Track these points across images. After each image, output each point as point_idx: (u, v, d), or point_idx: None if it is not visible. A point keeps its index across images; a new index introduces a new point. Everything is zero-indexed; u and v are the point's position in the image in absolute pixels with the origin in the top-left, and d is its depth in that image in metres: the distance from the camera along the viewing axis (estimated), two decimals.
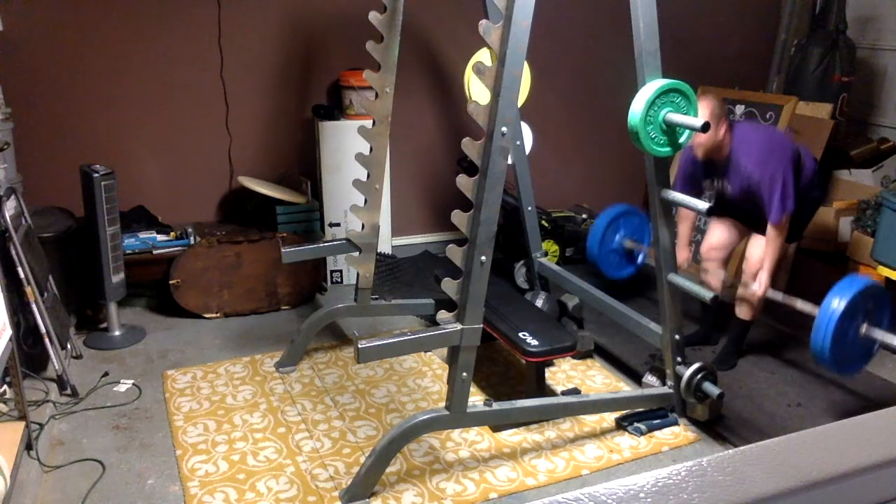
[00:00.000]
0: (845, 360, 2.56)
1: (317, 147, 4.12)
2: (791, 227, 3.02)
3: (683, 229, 3.32)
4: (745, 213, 3.20)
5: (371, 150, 3.17)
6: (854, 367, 2.69)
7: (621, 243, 3.51)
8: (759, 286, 3.00)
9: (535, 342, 2.80)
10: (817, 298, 2.57)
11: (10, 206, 2.91)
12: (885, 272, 3.44)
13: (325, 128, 4.04)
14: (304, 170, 4.25)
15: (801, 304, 2.77)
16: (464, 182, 2.27)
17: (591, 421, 2.91)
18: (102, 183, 3.28)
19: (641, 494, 0.60)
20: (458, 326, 2.33)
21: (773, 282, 3.05)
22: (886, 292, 2.64)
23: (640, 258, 3.57)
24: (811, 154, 3.20)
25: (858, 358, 2.62)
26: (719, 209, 3.21)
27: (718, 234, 3.31)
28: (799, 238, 3.47)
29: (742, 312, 3.26)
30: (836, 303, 2.47)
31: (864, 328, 2.55)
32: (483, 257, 2.27)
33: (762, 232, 3.10)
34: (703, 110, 2.84)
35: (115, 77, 3.85)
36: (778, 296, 2.95)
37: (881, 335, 2.54)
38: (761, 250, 3.08)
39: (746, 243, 3.25)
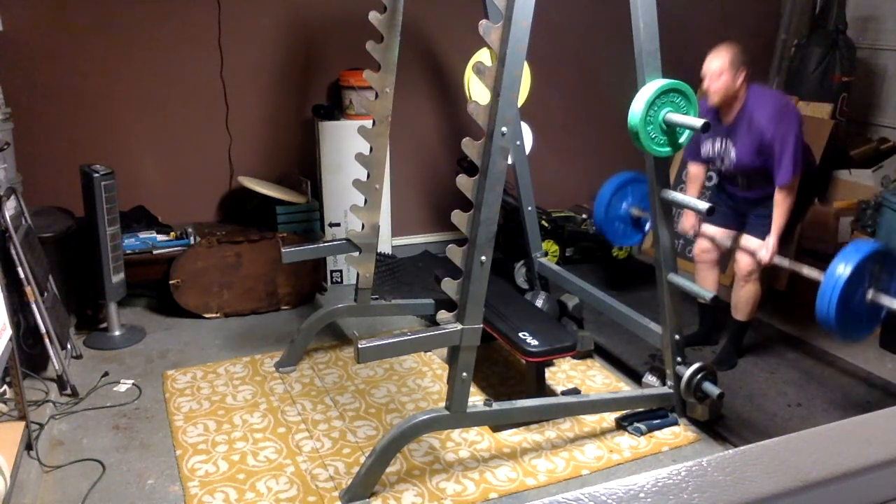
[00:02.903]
0: (852, 326, 2.50)
1: (317, 147, 4.12)
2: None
3: (692, 192, 3.26)
4: (739, 204, 3.17)
5: (371, 150, 3.17)
6: (861, 333, 2.62)
7: (628, 211, 3.43)
8: (766, 252, 2.94)
9: (535, 342, 2.80)
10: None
11: (10, 206, 2.91)
12: None
13: (325, 128, 4.04)
14: (304, 170, 4.25)
15: (808, 270, 2.71)
16: (464, 182, 2.27)
17: (591, 421, 2.91)
18: (102, 183, 3.28)
19: (641, 494, 0.60)
20: (458, 326, 2.33)
21: (774, 277, 3.03)
22: (895, 257, 2.55)
23: (647, 226, 3.46)
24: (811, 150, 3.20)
25: (866, 324, 2.55)
26: (716, 189, 3.13)
27: (708, 234, 3.29)
28: (790, 238, 3.42)
29: (738, 313, 3.26)
30: (842, 268, 2.42)
31: (871, 293, 2.49)
32: (483, 257, 2.27)
33: (750, 231, 3.10)
34: (722, 58, 2.84)
35: (115, 77, 3.85)
36: (785, 262, 2.90)
37: (889, 301, 2.47)
38: (749, 254, 3.07)
39: (736, 244, 3.22)
